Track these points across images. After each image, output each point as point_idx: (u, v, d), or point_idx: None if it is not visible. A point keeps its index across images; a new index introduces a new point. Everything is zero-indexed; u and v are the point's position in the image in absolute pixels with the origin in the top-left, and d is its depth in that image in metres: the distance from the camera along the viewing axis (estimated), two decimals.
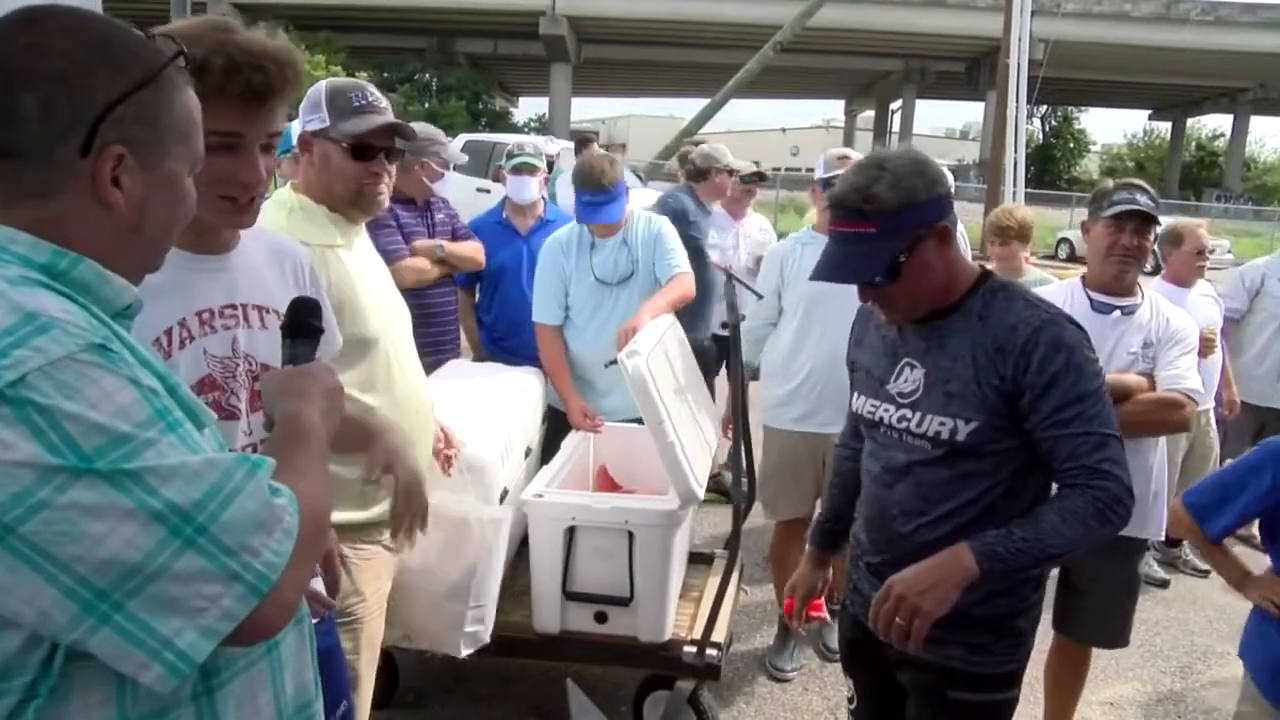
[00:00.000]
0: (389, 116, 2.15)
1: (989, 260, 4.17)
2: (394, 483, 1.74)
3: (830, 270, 1.83)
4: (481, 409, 3.05)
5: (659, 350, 2.98)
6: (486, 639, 2.76)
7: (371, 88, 2.20)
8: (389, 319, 2.24)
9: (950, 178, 2.03)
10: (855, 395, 2.06)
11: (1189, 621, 4.37)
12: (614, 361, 2.87)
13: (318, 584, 1.68)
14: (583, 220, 3.58)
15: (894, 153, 1.82)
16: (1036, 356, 1.76)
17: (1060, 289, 2.98)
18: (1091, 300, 2.84)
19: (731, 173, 5.32)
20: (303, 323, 1.38)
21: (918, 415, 1.88)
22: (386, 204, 2.24)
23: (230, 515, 0.95)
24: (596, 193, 3.49)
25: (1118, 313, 2.81)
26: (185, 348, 1.50)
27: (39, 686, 0.94)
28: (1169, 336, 2.79)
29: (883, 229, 1.76)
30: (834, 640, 3.61)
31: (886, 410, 1.94)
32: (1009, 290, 1.89)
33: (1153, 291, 2.93)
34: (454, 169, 4.07)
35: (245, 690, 1.11)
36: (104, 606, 0.89)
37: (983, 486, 1.84)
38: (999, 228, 4.24)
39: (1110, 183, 2.91)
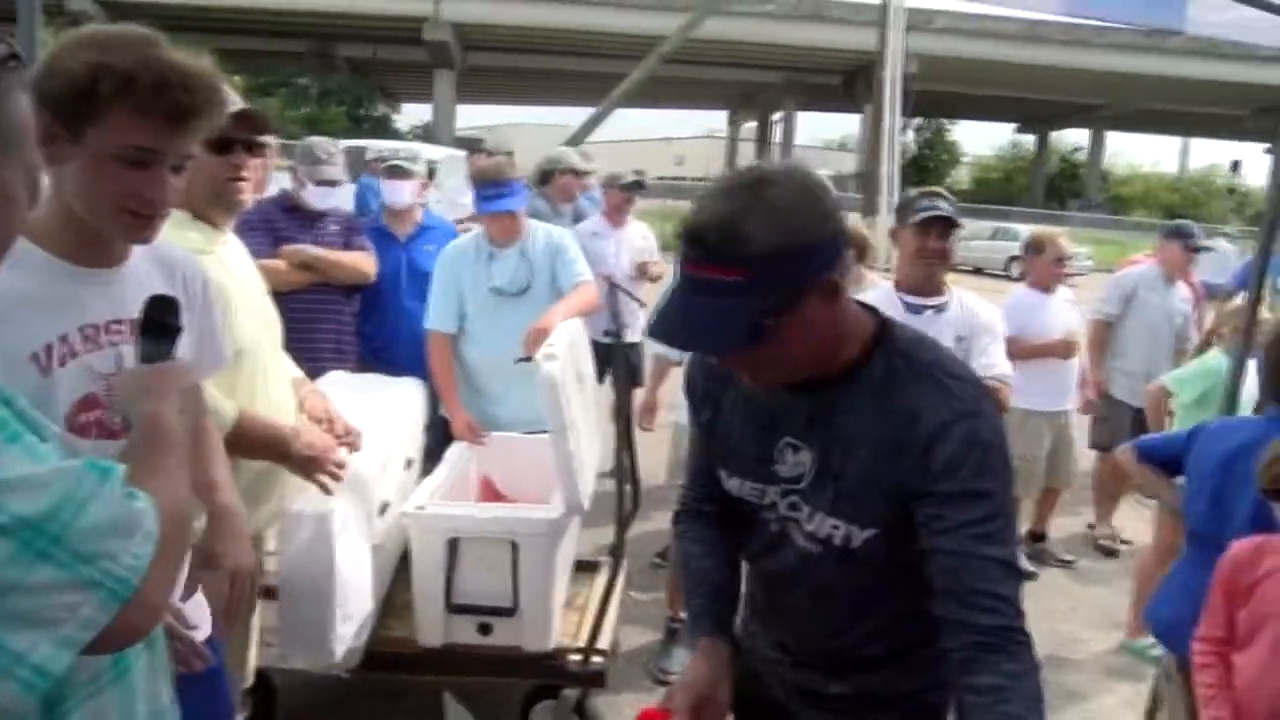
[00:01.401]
0: (240, 104, 2.05)
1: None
2: (220, 571, 1.67)
3: (678, 330, 1.33)
4: (360, 420, 2.99)
5: (569, 355, 2.97)
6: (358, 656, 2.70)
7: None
8: (262, 329, 2.18)
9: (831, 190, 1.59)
10: (723, 471, 1.61)
11: (1055, 612, 4.58)
12: (526, 359, 2.86)
13: (201, 630, 1.62)
14: (484, 211, 3.55)
15: (777, 171, 1.34)
16: (942, 456, 1.37)
17: (878, 294, 3.15)
18: (905, 302, 3.06)
19: (577, 173, 5.41)
20: (160, 321, 1.33)
21: (805, 510, 1.50)
22: (249, 202, 2.17)
23: (84, 523, 0.92)
24: (499, 184, 3.52)
25: (930, 311, 3.06)
26: (66, 365, 1.43)
27: None
28: (979, 328, 3.07)
29: (753, 280, 1.27)
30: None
31: (773, 496, 1.54)
32: (913, 356, 1.45)
33: (959, 289, 3.17)
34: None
35: (93, 718, 1.06)
36: None
37: (892, 594, 1.52)
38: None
39: (914, 192, 3.21)
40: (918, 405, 1.40)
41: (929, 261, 3.03)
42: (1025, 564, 5.02)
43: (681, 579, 1.73)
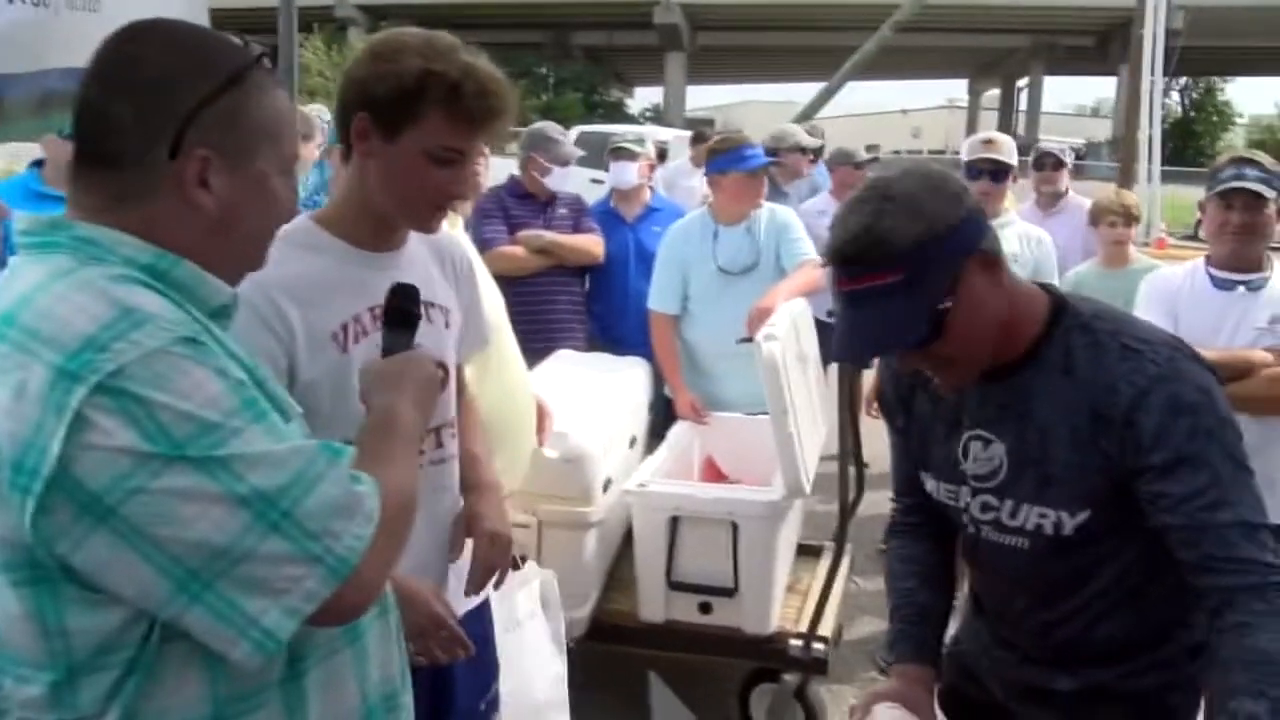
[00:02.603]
0: None
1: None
2: (480, 535, 1.74)
3: (854, 344, 1.39)
4: (585, 399, 3.07)
5: (792, 335, 2.93)
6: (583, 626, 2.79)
7: None
8: (497, 312, 2.26)
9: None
10: (924, 474, 1.60)
11: None
12: (747, 339, 2.85)
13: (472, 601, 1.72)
14: (746, 166, 3.52)
15: (894, 175, 1.38)
16: (1149, 428, 1.32)
17: (1181, 271, 2.83)
18: (1213, 277, 2.72)
19: (804, 151, 5.25)
20: (403, 309, 1.40)
21: (1007, 504, 1.47)
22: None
23: (312, 501, 0.98)
24: (750, 145, 3.58)
25: (1242, 288, 2.69)
26: (359, 342, 1.54)
27: (137, 663, 0.99)
28: None
29: (909, 275, 1.30)
30: None
31: (965, 497, 1.52)
32: (1094, 328, 1.41)
33: None
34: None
35: (330, 677, 1.13)
36: (195, 586, 0.94)
37: (1114, 573, 1.46)
38: (1106, 211, 3.98)
39: (1224, 157, 2.78)
40: (1111, 376, 1.36)
41: (1234, 236, 2.67)
42: None
43: (888, 596, 1.71)
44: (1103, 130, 46.69)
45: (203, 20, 2.10)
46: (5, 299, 1.00)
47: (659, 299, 3.63)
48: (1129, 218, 3.90)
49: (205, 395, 0.96)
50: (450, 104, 1.47)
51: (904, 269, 1.30)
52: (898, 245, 1.29)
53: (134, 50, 1.07)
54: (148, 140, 1.04)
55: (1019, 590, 1.55)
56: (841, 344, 1.37)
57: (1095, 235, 3.98)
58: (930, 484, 1.58)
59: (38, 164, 3.43)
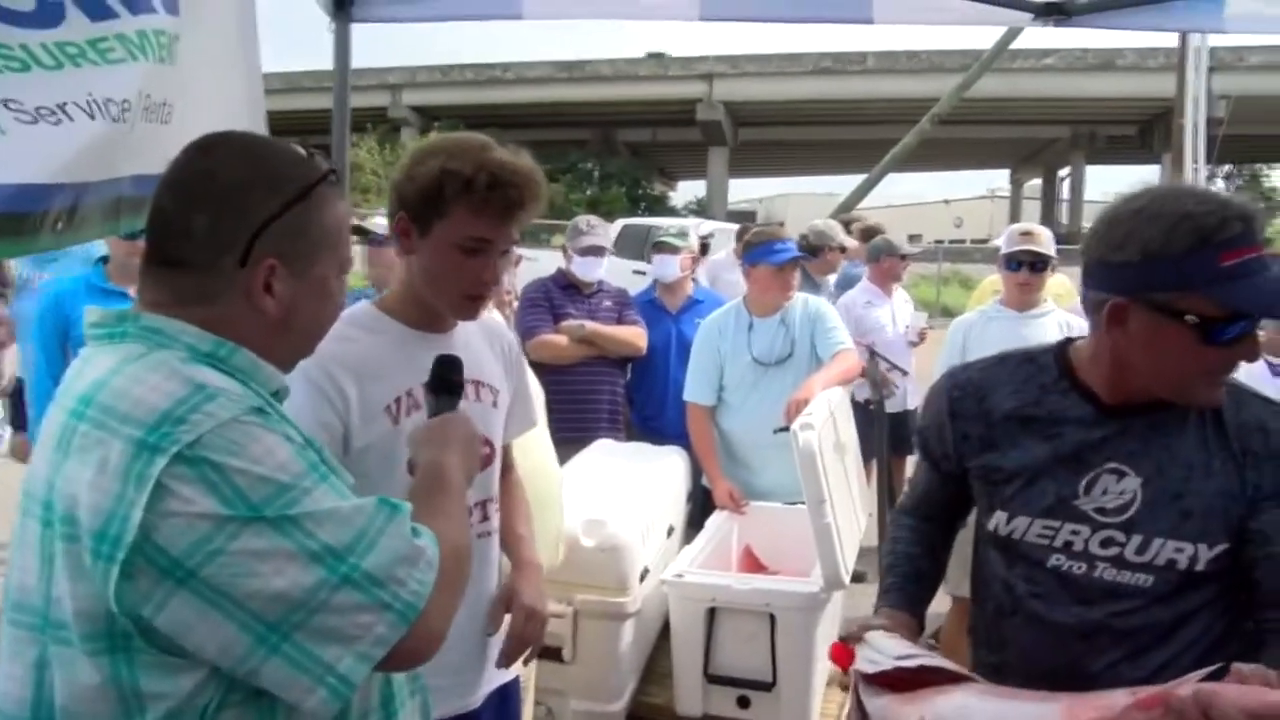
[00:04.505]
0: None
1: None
2: (518, 610, 1.81)
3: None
4: (623, 488, 3.09)
5: (829, 425, 2.95)
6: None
7: None
8: None
9: None
10: (1001, 514, 1.58)
11: None
12: (784, 429, 2.87)
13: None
14: (775, 260, 3.59)
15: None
16: None
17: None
18: (1270, 365, 2.72)
19: (844, 249, 5.41)
20: (445, 379, 1.51)
21: (1136, 539, 1.47)
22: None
23: (378, 552, 1.05)
24: (783, 240, 3.67)
25: None
26: (410, 415, 1.65)
27: None
28: None
29: None
30: None
31: (1077, 533, 1.51)
32: (1230, 382, 1.50)
33: None
34: (612, 253, 4.25)
35: None
36: (274, 638, 1.00)
37: (1206, 622, 1.48)
38: None
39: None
40: (1259, 419, 1.47)
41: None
42: None
43: (882, 561, 1.80)
44: None
45: (261, 124, 2.23)
46: (81, 384, 1.08)
47: (694, 390, 3.67)
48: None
49: (276, 460, 1.03)
50: (468, 197, 1.59)
51: None
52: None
53: (208, 164, 1.16)
54: (219, 248, 1.13)
55: (1106, 643, 1.50)
56: (1275, 300, 1.38)
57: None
58: (1017, 522, 1.56)
59: (102, 260, 3.60)
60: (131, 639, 1.01)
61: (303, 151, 1.22)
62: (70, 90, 1.59)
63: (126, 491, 0.98)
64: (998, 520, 1.58)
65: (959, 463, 1.66)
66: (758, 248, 3.65)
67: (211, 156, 1.17)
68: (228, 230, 1.12)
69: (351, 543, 1.03)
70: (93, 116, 1.62)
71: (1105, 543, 1.49)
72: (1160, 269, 1.37)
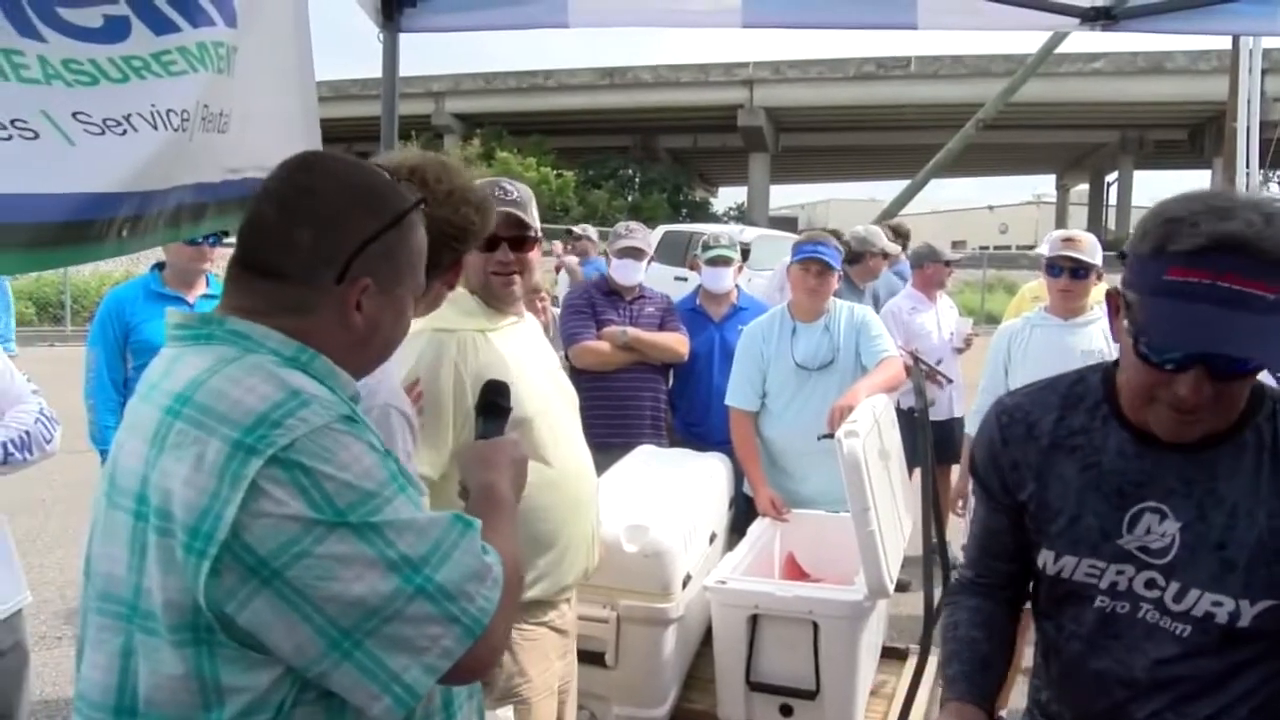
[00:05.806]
0: (514, 208, 2.25)
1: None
2: None
3: (1221, 341, 1.22)
4: (666, 494, 3.10)
5: (874, 432, 2.94)
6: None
7: (506, 181, 2.33)
8: (549, 399, 2.31)
9: None
10: (1047, 553, 1.49)
11: None
12: (828, 435, 2.87)
13: None
14: (799, 256, 3.66)
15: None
16: None
17: None
18: None
19: (886, 255, 5.38)
20: (493, 403, 1.55)
21: (1175, 585, 1.37)
22: (518, 291, 2.31)
23: (451, 566, 1.08)
24: (822, 241, 3.71)
25: None
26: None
27: None
28: None
29: None
30: None
31: (1122, 573, 1.42)
32: None
33: None
34: (654, 259, 4.32)
35: None
36: (347, 644, 1.03)
37: (1261, 675, 1.38)
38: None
39: None
40: None
41: None
42: None
43: (943, 647, 1.63)
44: None
45: (315, 134, 2.27)
46: (173, 382, 1.11)
47: (737, 395, 3.67)
48: None
49: (362, 467, 1.07)
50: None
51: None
52: None
53: (309, 181, 1.21)
54: (319, 264, 1.17)
55: (1154, 690, 1.40)
56: (1198, 335, 1.22)
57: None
58: (1064, 561, 1.47)
59: (159, 266, 3.69)
60: (214, 633, 1.04)
61: (389, 176, 1.29)
62: (135, 102, 1.65)
63: (221, 489, 1.02)
64: (1045, 559, 1.50)
65: (1014, 495, 1.55)
66: (795, 248, 3.70)
67: (312, 175, 1.22)
68: (329, 247, 1.17)
69: (427, 554, 1.06)
70: (155, 127, 1.67)
71: (1149, 584, 1.40)
72: (1131, 264, 1.29)
